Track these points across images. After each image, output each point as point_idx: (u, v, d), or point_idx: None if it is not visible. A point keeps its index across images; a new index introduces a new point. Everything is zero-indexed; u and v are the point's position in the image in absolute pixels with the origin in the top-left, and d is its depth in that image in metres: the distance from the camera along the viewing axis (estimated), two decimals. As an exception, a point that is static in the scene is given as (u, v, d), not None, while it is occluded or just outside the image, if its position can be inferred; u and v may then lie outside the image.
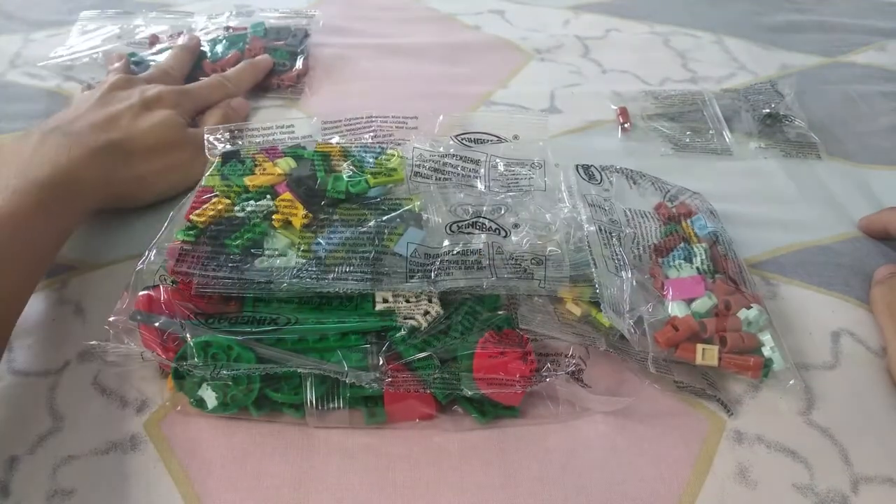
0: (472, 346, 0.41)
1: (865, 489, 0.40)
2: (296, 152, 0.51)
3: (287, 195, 0.47)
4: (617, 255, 0.47)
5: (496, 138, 0.55)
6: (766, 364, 0.44)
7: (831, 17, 0.90)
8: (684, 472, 0.40)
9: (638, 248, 0.50)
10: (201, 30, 0.76)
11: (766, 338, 0.45)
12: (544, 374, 0.41)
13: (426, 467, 0.40)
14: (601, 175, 0.55)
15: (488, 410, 0.42)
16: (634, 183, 0.56)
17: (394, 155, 0.51)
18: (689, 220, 0.52)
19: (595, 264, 0.45)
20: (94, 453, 0.40)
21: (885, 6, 0.94)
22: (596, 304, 0.45)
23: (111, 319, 0.41)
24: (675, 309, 0.45)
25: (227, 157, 0.51)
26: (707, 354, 0.43)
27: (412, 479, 0.39)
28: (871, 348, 0.48)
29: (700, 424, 0.42)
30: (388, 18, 0.83)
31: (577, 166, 0.54)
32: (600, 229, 0.48)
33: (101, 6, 0.83)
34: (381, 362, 0.40)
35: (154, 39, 0.75)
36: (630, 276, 0.46)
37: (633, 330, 0.43)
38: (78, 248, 0.52)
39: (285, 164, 0.50)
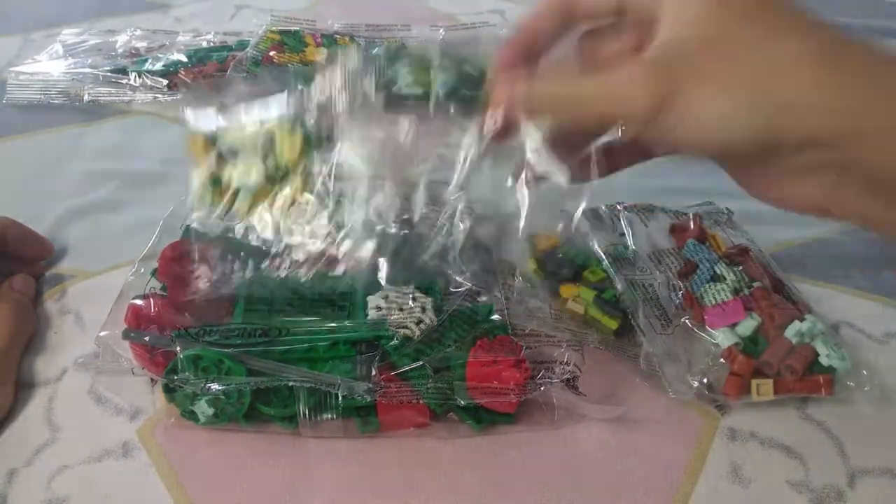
0: (466, 354, 0.41)
1: (862, 482, 0.39)
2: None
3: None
4: (658, 310, 0.46)
5: None
6: (830, 372, 0.42)
7: (831, 17, 0.89)
8: (676, 472, 0.40)
9: (670, 290, 0.47)
10: (184, 46, 0.76)
11: (819, 346, 0.43)
12: (538, 381, 0.40)
13: (419, 472, 0.40)
14: (610, 218, 0.52)
15: (483, 417, 0.41)
16: (646, 219, 0.53)
17: None
18: (715, 232, 0.50)
19: (643, 332, 0.44)
20: (88, 461, 0.40)
21: (885, 6, 0.94)
22: (595, 302, 0.44)
23: (101, 335, 0.41)
24: (721, 338, 0.43)
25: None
26: (762, 389, 0.41)
27: (405, 485, 0.39)
28: (872, 336, 0.48)
29: (693, 423, 0.42)
30: (389, 18, 0.83)
31: (584, 212, 0.49)
32: (632, 284, 0.46)
33: (97, 8, 0.83)
34: (373, 372, 0.40)
35: (135, 52, 0.75)
36: (675, 326, 0.44)
37: (704, 392, 0.42)
38: (77, 255, 0.53)
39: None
